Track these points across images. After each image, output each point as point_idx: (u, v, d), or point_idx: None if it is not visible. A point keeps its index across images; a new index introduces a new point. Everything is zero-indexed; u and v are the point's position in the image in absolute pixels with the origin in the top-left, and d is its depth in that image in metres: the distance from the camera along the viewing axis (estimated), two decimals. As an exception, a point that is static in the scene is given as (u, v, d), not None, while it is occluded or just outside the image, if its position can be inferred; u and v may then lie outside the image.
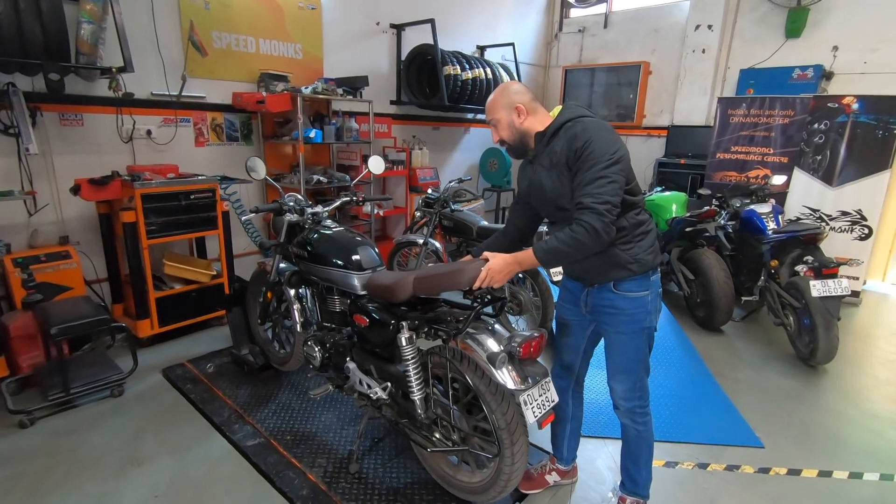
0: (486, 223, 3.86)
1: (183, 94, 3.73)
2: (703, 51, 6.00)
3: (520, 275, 3.71)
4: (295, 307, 2.63)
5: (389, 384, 2.05)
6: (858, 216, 4.52)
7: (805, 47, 5.38)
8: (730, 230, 4.12)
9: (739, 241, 4.04)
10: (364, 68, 4.92)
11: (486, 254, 1.72)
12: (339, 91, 4.30)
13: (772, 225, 3.82)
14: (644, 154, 6.65)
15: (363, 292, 2.19)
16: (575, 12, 7.27)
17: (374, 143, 4.67)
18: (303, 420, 2.61)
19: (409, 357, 1.93)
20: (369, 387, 2.13)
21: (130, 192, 3.10)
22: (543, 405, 1.75)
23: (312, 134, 4.07)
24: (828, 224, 4.60)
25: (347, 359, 2.29)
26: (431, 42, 4.98)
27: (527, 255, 1.67)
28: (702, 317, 3.97)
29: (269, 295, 2.79)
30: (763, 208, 3.93)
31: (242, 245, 4.27)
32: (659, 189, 5.07)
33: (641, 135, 6.75)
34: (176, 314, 3.41)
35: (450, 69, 5.10)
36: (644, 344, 1.83)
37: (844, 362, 3.42)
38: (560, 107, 1.79)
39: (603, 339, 1.93)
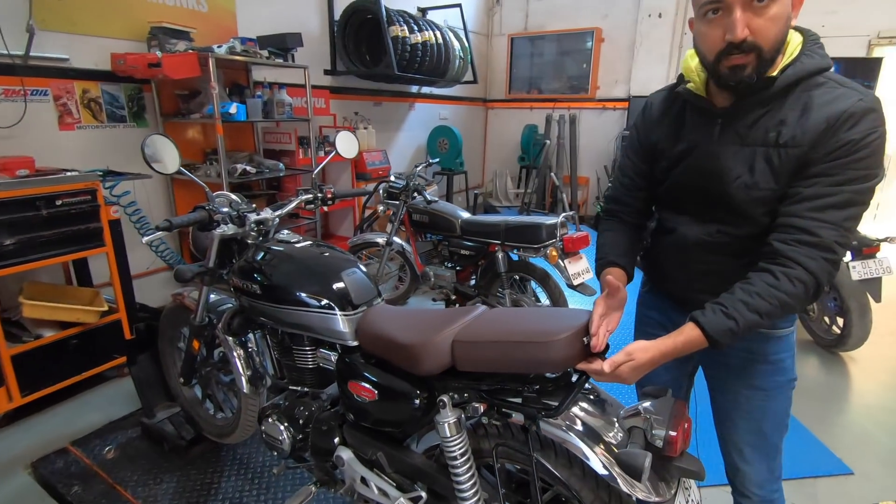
0: (468, 215, 3.14)
1: (32, 53, 2.58)
2: (660, 15, 5.63)
3: (516, 276, 3.07)
4: (236, 356, 1.76)
5: (424, 494, 1.29)
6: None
7: (763, 11, 5.15)
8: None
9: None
10: (288, 28, 3.92)
11: (634, 345, 0.98)
12: (264, 53, 3.31)
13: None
14: (601, 129, 6.28)
15: (357, 342, 1.41)
16: (518, -26, 6.62)
17: (312, 120, 3.73)
18: (265, 526, 1.78)
19: (458, 452, 1.18)
20: (383, 493, 1.36)
21: (-51, 200, 2.01)
22: (692, 517, 1.11)
23: (234, 109, 3.06)
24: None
25: (335, 440, 1.50)
26: (372, -3, 4.09)
27: (689, 340, 0.98)
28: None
29: (195, 344, 1.88)
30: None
31: (146, 262, 3.19)
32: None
33: (596, 108, 6.32)
34: (48, 374, 2.35)
35: (396, 30, 4.25)
36: (790, 404, 1.26)
37: (864, 345, 3.14)
38: (797, 35, 1.02)
39: (713, 395, 1.32)
